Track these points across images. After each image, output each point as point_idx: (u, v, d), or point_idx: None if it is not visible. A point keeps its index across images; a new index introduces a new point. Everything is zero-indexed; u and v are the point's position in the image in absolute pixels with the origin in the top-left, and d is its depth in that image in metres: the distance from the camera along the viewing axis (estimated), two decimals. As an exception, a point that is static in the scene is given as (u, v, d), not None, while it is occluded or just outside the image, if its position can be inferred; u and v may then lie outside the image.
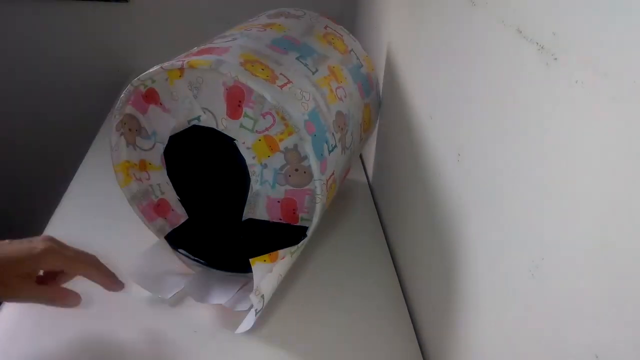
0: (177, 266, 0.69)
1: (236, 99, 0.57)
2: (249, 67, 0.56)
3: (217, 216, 0.67)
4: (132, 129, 0.63)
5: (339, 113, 0.64)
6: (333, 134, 0.61)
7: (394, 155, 0.80)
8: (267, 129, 0.57)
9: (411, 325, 0.64)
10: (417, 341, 0.62)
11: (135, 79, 0.58)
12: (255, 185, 0.61)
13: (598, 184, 0.30)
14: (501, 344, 0.42)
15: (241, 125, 0.58)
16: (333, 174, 0.61)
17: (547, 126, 0.35)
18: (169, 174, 0.66)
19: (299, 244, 0.60)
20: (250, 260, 0.57)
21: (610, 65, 0.28)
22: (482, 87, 0.45)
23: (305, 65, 0.63)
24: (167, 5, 1.24)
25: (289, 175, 0.60)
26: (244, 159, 0.60)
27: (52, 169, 1.30)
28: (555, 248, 0.34)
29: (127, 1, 1.22)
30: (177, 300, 0.64)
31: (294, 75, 0.59)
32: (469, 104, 0.49)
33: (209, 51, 0.58)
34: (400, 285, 0.70)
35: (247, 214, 0.64)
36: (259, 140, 0.58)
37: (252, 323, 0.59)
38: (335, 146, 0.61)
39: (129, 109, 0.62)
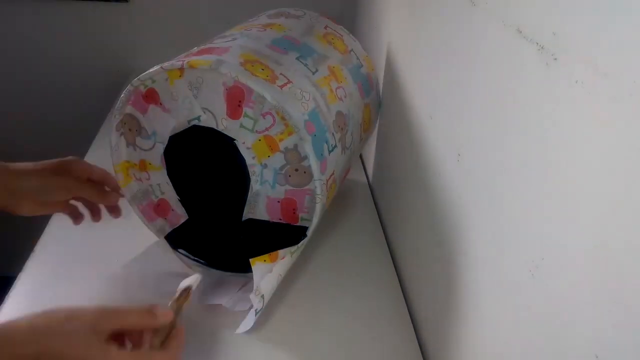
0: (177, 266, 0.69)
1: (236, 99, 0.57)
2: (249, 67, 0.56)
3: (217, 216, 0.67)
4: (132, 129, 0.63)
5: (339, 113, 0.64)
6: (333, 134, 0.61)
7: (394, 155, 0.80)
8: (267, 129, 0.57)
9: (411, 325, 0.64)
10: (417, 341, 0.62)
11: (135, 79, 0.58)
12: (255, 185, 0.61)
13: (598, 184, 0.30)
14: (501, 343, 0.42)
15: (241, 125, 0.58)
16: (333, 174, 0.61)
17: (547, 126, 0.35)
18: (169, 174, 0.66)
19: (299, 244, 0.60)
20: (250, 260, 0.57)
21: (610, 65, 0.28)
22: (482, 87, 0.45)
23: (305, 65, 0.63)
24: (167, 5, 1.24)
25: (289, 175, 0.60)
26: (244, 159, 0.60)
27: (52, 169, 1.30)
28: (555, 248, 0.34)
29: (127, 1, 1.22)
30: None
31: (294, 75, 0.59)
32: (469, 104, 0.49)
33: (209, 51, 0.58)
34: (400, 285, 0.70)
35: (247, 214, 0.64)
36: (259, 140, 0.58)
37: (252, 323, 0.59)
38: (335, 146, 0.61)
39: (129, 109, 0.62)
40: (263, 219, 0.64)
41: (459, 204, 0.51)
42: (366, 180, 0.95)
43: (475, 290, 0.47)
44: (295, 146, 0.58)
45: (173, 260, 0.69)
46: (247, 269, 0.57)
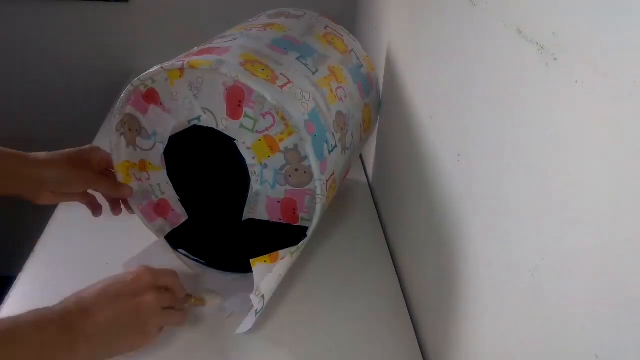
0: (177, 266, 0.69)
1: (236, 99, 0.57)
2: (249, 67, 0.56)
3: (217, 216, 0.67)
4: (132, 129, 0.63)
5: (339, 113, 0.64)
6: (333, 134, 0.61)
7: (394, 155, 0.80)
8: (267, 129, 0.57)
9: (411, 325, 0.64)
10: (417, 341, 0.62)
11: (136, 79, 0.58)
12: (255, 185, 0.61)
13: (598, 184, 0.30)
14: (501, 343, 0.42)
15: (241, 125, 0.58)
16: (333, 174, 0.61)
17: (547, 126, 0.35)
18: (169, 174, 0.66)
19: (299, 244, 0.60)
20: (251, 260, 0.57)
21: (610, 65, 0.28)
22: (482, 87, 0.45)
23: (306, 65, 0.63)
24: (167, 5, 1.24)
25: (289, 175, 0.60)
26: (244, 159, 0.60)
27: (52, 169, 1.30)
28: (555, 248, 0.34)
29: (127, 1, 1.22)
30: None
31: (294, 76, 0.59)
32: (469, 104, 0.49)
33: (209, 51, 0.58)
34: (400, 285, 0.70)
35: (247, 214, 0.64)
36: (259, 140, 0.58)
37: (252, 323, 0.59)
38: (335, 146, 0.61)
39: (129, 109, 0.62)
40: (263, 219, 0.64)
41: (459, 204, 0.51)
42: (366, 180, 0.95)
43: (475, 290, 0.47)
44: (296, 146, 0.58)
45: (173, 260, 0.69)
46: (247, 269, 0.57)
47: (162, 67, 0.56)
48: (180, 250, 0.70)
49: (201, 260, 0.70)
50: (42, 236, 0.74)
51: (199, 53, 0.58)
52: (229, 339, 0.60)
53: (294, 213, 0.62)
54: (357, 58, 0.73)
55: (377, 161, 0.93)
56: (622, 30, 0.27)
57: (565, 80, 0.32)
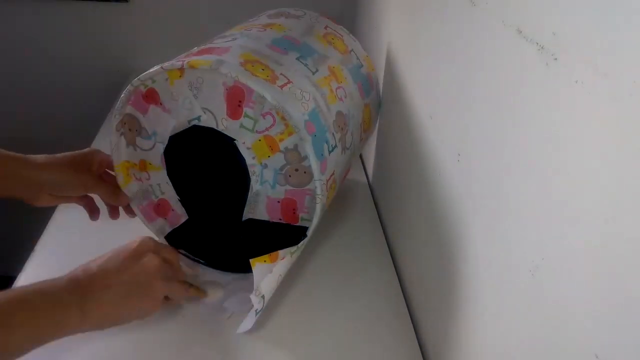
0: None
1: (236, 99, 0.57)
2: (249, 67, 0.56)
3: (217, 216, 0.67)
4: (132, 129, 0.63)
5: (339, 113, 0.64)
6: (333, 134, 0.61)
7: (394, 155, 0.80)
8: (267, 129, 0.57)
9: (411, 325, 0.64)
10: (417, 341, 0.62)
11: (136, 79, 0.58)
12: (255, 185, 0.61)
13: (598, 184, 0.30)
14: (501, 343, 0.42)
15: (241, 125, 0.58)
16: (333, 174, 0.61)
17: (546, 126, 0.35)
18: (169, 174, 0.66)
19: (299, 244, 0.60)
20: (250, 260, 0.57)
21: (610, 65, 0.28)
22: (482, 87, 0.45)
23: (306, 65, 0.63)
24: (167, 5, 1.24)
25: (289, 175, 0.60)
26: (244, 159, 0.60)
27: (52, 169, 1.30)
28: (555, 248, 0.34)
29: (127, 1, 1.22)
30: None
31: (294, 76, 0.59)
32: (469, 104, 0.49)
33: (209, 51, 0.58)
34: (400, 285, 0.70)
35: (247, 214, 0.64)
36: (259, 140, 0.58)
37: (252, 323, 0.59)
38: (335, 146, 0.61)
39: (129, 109, 0.62)
40: (263, 219, 0.64)
41: (459, 204, 0.51)
42: (366, 180, 0.95)
43: (475, 290, 0.47)
44: (296, 146, 0.58)
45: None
46: (247, 269, 0.57)
47: (162, 67, 0.56)
48: (180, 250, 0.70)
49: (201, 260, 0.70)
50: (42, 236, 0.74)
51: (199, 53, 0.58)
52: (229, 339, 0.60)
53: (294, 213, 0.62)
54: (357, 58, 0.73)
55: (377, 161, 0.93)
56: (622, 30, 0.27)
57: (565, 80, 0.32)
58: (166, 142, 0.62)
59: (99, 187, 0.64)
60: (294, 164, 0.59)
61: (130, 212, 0.68)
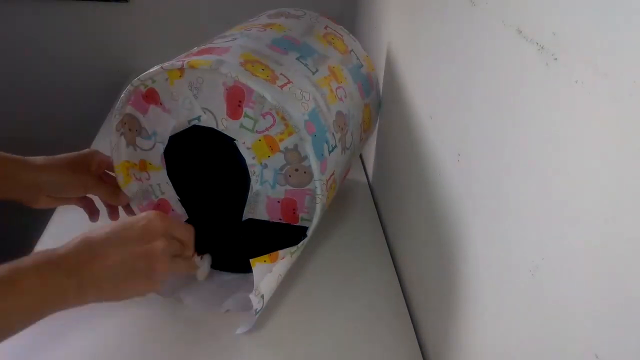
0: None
1: (236, 99, 0.57)
2: (249, 67, 0.56)
3: (217, 216, 0.67)
4: (132, 129, 0.63)
5: (339, 113, 0.64)
6: (333, 134, 0.61)
7: (394, 155, 0.80)
8: (267, 129, 0.57)
9: (411, 325, 0.64)
10: (417, 341, 0.62)
11: (136, 79, 0.58)
12: (255, 185, 0.61)
13: (598, 184, 0.30)
14: (501, 343, 0.42)
15: (241, 125, 0.58)
16: (333, 174, 0.61)
17: (546, 126, 0.35)
18: (169, 174, 0.66)
19: (299, 244, 0.60)
20: (251, 260, 0.57)
21: (610, 65, 0.28)
22: (482, 87, 0.45)
23: (306, 65, 0.63)
24: (167, 5, 1.24)
25: (289, 175, 0.60)
26: (244, 159, 0.60)
27: (52, 169, 1.30)
28: (555, 248, 0.34)
29: (127, 1, 1.22)
30: (177, 300, 0.64)
31: (294, 76, 0.59)
32: (469, 104, 0.49)
33: (209, 51, 0.58)
34: (400, 285, 0.70)
35: (247, 214, 0.64)
36: (259, 140, 0.58)
37: (252, 323, 0.59)
38: (335, 146, 0.61)
39: (129, 109, 0.62)
40: (263, 219, 0.64)
41: (459, 203, 0.51)
42: (366, 180, 0.95)
43: (475, 290, 0.47)
44: (296, 146, 0.58)
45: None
46: (247, 269, 0.57)
47: (162, 67, 0.56)
48: (180, 250, 0.70)
49: (201, 260, 0.70)
50: (41, 237, 0.74)
51: (199, 53, 0.58)
52: (229, 339, 0.60)
53: (294, 213, 0.62)
54: (357, 58, 0.73)
55: (377, 161, 0.93)
56: (622, 30, 0.27)
57: (565, 80, 0.32)
58: (166, 142, 0.62)
59: (98, 187, 0.64)
60: (294, 164, 0.59)
61: (130, 212, 0.68)
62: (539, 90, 0.36)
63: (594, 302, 0.30)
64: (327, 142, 0.59)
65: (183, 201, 0.67)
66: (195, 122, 0.59)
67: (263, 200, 0.62)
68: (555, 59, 0.33)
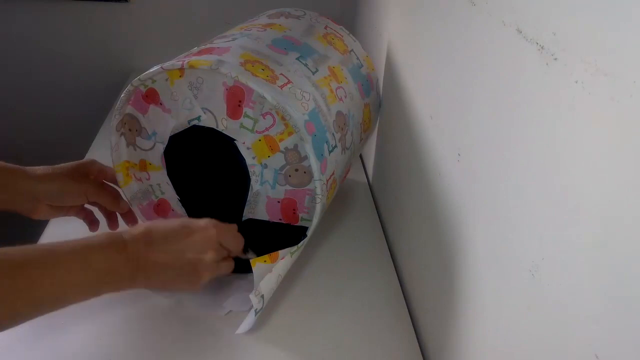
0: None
1: (236, 99, 0.57)
2: (249, 68, 0.56)
3: (217, 216, 0.67)
4: (132, 129, 0.63)
5: (339, 113, 0.64)
6: (333, 134, 0.61)
7: (394, 155, 0.80)
8: (267, 129, 0.57)
9: (411, 325, 0.64)
10: (417, 341, 0.62)
11: (136, 79, 0.58)
12: (255, 185, 0.61)
13: (598, 184, 0.30)
14: (501, 343, 0.42)
15: (241, 125, 0.58)
16: (333, 174, 0.61)
17: (547, 126, 0.35)
18: (169, 174, 0.66)
19: (299, 244, 0.60)
20: (251, 260, 0.57)
21: (610, 65, 0.28)
22: (482, 87, 0.45)
23: (306, 65, 0.63)
24: (167, 5, 1.25)
25: (289, 175, 0.60)
26: (244, 159, 0.60)
27: (52, 169, 1.30)
28: (555, 248, 0.34)
29: (127, 1, 1.22)
30: (177, 300, 0.64)
31: (294, 76, 0.60)
32: (469, 103, 0.49)
33: (209, 51, 0.58)
34: (400, 285, 0.70)
35: (247, 214, 0.64)
36: (259, 140, 0.58)
37: (252, 323, 0.59)
38: (336, 146, 0.61)
39: (129, 109, 0.62)
40: (263, 219, 0.64)
41: (459, 203, 0.51)
42: (366, 180, 0.95)
43: (475, 290, 0.47)
44: (296, 146, 0.58)
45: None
46: (247, 269, 0.57)
47: (162, 67, 0.56)
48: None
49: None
50: (42, 236, 0.74)
51: (199, 53, 0.58)
52: (229, 339, 0.60)
53: (294, 213, 0.62)
54: (357, 58, 0.73)
55: (377, 161, 0.93)
56: (622, 30, 0.27)
57: (565, 80, 0.32)
58: (166, 142, 0.62)
59: (99, 194, 0.64)
60: (294, 164, 0.59)
61: (129, 219, 0.68)
62: (539, 90, 0.36)
63: (594, 302, 0.30)
64: (327, 142, 0.59)
65: (183, 201, 0.67)
66: (195, 122, 0.59)
67: (263, 200, 0.62)
68: (555, 59, 0.33)
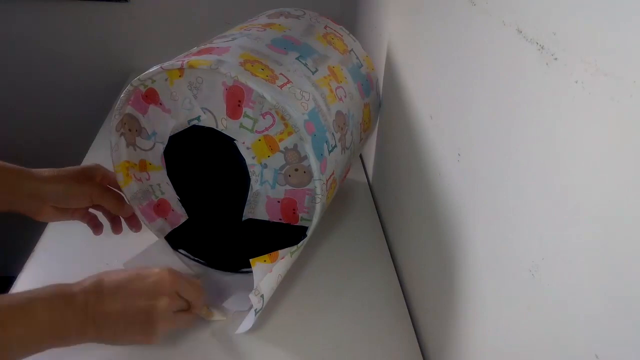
0: (177, 266, 0.69)
1: (236, 99, 0.57)
2: (249, 67, 0.56)
3: (217, 216, 0.67)
4: (132, 129, 0.63)
5: (338, 113, 0.64)
6: (333, 133, 0.61)
7: (394, 155, 0.80)
8: (267, 129, 0.57)
9: (411, 325, 0.64)
10: (417, 341, 0.62)
11: (135, 79, 0.58)
12: (255, 185, 0.61)
13: (598, 184, 0.30)
14: (501, 343, 0.42)
15: (241, 125, 0.58)
16: (333, 173, 0.61)
17: (547, 126, 0.35)
18: (169, 174, 0.66)
19: (299, 244, 0.60)
20: (250, 260, 0.57)
21: (610, 65, 0.28)
22: (482, 87, 0.45)
23: (305, 65, 0.63)
24: (167, 5, 1.24)
25: (289, 175, 0.60)
26: (244, 158, 0.60)
27: (52, 169, 1.30)
28: (555, 248, 0.34)
29: (127, 1, 1.22)
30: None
31: (293, 75, 0.59)
32: (469, 103, 0.49)
33: (208, 51, 0.58)
34: (400, 285, 0.70)
35: (247, 214, 0.64)
36: (259, 140, 0.58)
37: (252, 323, 0.59)
38: (335, 146, 0.61)
39: (129, 109, 0.62)
40: (263, 219, 0.64)
41: (459, 203, 0.51)
42: (366, 180, 0.95)
43: (475, 290, 0.47)
44: (295, 146, 0.58)
45: (173, 260, 0.69)
46: (247, 269, 0.57)
47: (162, 67, 0.56)
48: (180, 250, 0.70)
49: (201, 260, 0.70)
50: (42, 236, 0.74)
51: (199, 53, 0.58)
52: (229, 339, 0.60)
53: (294, 213, 0.62)
54: (357, 58, 0.73)
55: (377, 161, 0.93)
56: (622, 30, 0.27)
57: (565, 80, 0.32)
58: (166, 142, 0.62)
59: (103, 197, 0.64)
60: (293, 164, 0.59)
61: (133, 224, 0.68)
62: (539, 90, 0.36)
63: (594, 302, 0.30)
64: (326, 142, 0.59)
65: (183, 201, 0.67)
66: (195, 122, 0.59)
67: (263, 200, 0.62)
68: (555, 59, 0.33)
